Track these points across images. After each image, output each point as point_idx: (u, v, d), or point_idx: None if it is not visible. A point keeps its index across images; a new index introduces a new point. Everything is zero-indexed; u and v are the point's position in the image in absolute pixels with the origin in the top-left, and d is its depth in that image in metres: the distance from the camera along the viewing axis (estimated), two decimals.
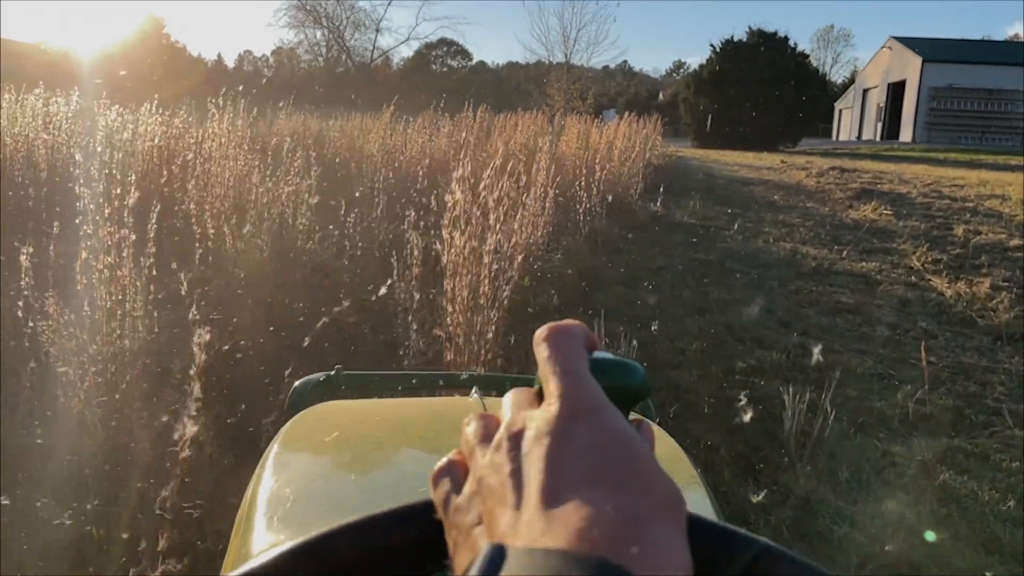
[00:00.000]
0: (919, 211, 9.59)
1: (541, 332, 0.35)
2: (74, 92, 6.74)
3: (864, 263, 6.63)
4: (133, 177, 3.03)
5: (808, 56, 28.70)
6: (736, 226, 8.03)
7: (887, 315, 5.06)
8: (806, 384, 3.54)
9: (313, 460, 0.96)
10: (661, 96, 52.53)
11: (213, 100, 5.35)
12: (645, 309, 4.88)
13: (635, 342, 3.82)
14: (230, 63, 54.29)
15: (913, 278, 6.19)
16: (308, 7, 50.18)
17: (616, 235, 6.66)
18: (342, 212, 4.16)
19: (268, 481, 0.85)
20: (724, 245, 7.20)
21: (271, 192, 4.41)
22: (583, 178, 5.70)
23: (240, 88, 6.54)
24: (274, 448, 0.94)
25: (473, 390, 1.15)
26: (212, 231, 3.41)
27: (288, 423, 1.03)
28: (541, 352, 0.34)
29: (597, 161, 6.01)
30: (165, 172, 4.49)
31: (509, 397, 0.35)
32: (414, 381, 1.56)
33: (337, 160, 7.53)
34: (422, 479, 0.35)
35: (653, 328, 4.02)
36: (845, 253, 6.93)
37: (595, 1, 39.94)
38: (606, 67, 43.53)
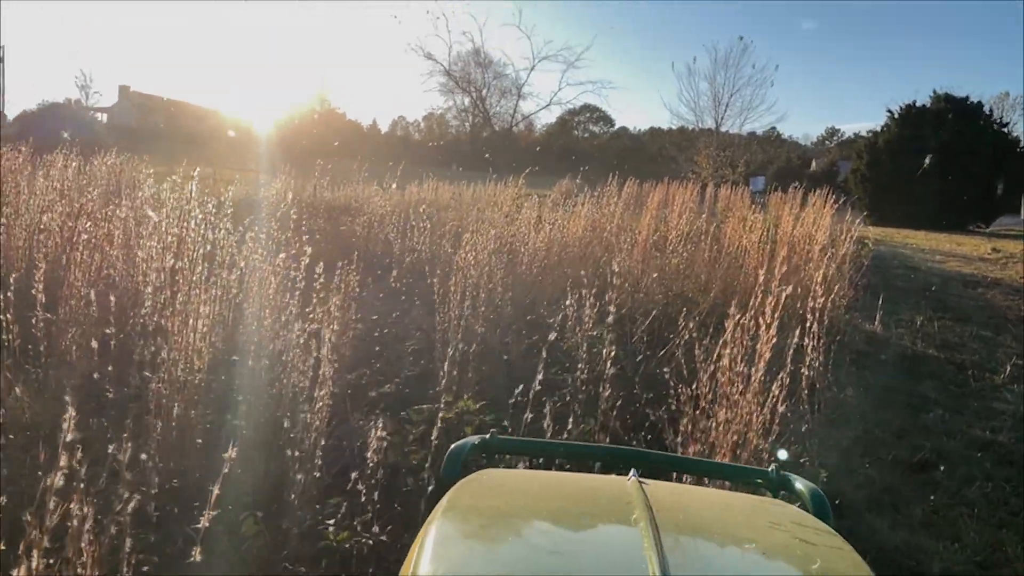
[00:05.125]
0: None
1: None
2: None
3: None
4: None
5: (1007, 124, 24.67)
6: (1006, 367, 5.41)
7: None
8: None
9: (481, 541, 0.91)
10: (814, 164, 48.75)
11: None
12: None
13: None
14: (384, 128, 55.63)
15: None
16: (453, 74, 50.92)
17: (844, 392, 4.31)
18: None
19: (435, 560, 0.79)
20: (1006, 406, 4.65)
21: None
22: (804, 306, 3.50)
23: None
24: (436, 522, 0.89)
25: (631, 472, 1.11)
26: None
27: (450, 492, 0.99)
28: None
29: (820, 282, 3.76)
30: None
31: None
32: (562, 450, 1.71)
33: (424, 265, 5.67)
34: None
35: None
36: None
37: (751, 65, 37.07)
38: (752, 133, 40.38)
